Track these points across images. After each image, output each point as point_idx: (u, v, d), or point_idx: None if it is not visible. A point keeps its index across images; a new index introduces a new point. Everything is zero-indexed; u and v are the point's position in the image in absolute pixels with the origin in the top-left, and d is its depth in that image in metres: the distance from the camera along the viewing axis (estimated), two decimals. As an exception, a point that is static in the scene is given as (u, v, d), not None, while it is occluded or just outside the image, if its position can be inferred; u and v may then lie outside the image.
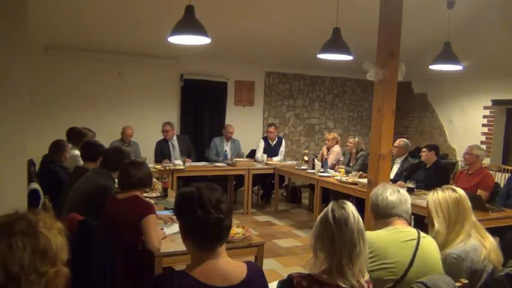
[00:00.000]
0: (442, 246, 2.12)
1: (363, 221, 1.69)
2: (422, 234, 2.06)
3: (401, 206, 2.10)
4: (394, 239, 1.99)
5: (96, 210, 2.76)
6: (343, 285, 1.58)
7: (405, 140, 5.64)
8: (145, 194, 3.25)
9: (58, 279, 1.21)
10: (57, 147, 4.28)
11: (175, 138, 6.47)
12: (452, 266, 2.07)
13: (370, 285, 1.67)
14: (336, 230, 1.62)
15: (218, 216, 1.50)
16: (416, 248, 1.97)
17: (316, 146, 8.43)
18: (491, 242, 2.22)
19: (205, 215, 1.49)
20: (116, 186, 3.33)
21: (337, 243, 1.60)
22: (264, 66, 7.84)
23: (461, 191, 2.27)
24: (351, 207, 1.66)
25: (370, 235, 1.93)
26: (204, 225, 1.50)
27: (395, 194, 2.11)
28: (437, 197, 2.25)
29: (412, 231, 2.05)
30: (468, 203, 2.24)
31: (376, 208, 2.14)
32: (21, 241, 1.16)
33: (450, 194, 2.24)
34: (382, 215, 2.12)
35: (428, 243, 2.05)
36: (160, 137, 6.42)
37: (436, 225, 2.20)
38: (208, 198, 1.51)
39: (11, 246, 1.15)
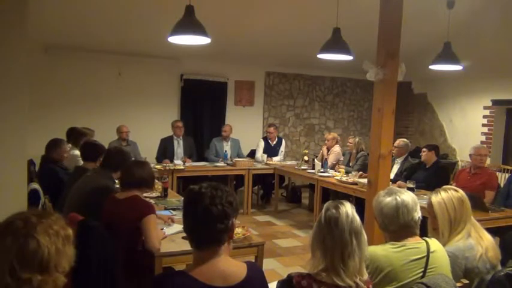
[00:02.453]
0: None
1: (363, 221, 1.68)
2: (432, 247, 1.94)
3: (405, 217, 1.93)
4: (403, 258, 1.88)
5: (96, 210, 2.76)
6: (341, 284, 1.58)
7: (405, 140, 5.64)
8: (145, 194, 3.25)
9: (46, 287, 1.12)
10: (52, 145, 4.29)
11: (181, 137, 6.49)
12: None
13: (370, 285, 1.67)
14: (326, 230, 1.62)
15: (214, 216, 1.48)
16: (426, 267, 1.89)
17: (316, 146, 8.43)
18: (488, 240, 2.21)
19: (201, 214, 1.48)
20: (117, 186, 3.33)
21: (327, 243, 1.61)
22: (264, 66, 7.83)
23: (461, 191, 2.27)
24: (345, 207, 1.65)
25: (376, 253, 1.87)
26: (200, 224, 1.49)
27: (394, 202, 1.93)
28: (441, 197, 2.22)
29: (422, 246, 1.94)
30: (469, 202, 2.24)
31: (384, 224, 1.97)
32: (10, 242, 1.11)
33: (453, 193, 2.23)
34: (390, 231, 1.97)
35: (439, 257, 1.95)
36: (162, 136, 6.43)
37: (441, 226, 2.18)
38: (209, 197, 1.48)
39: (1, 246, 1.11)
